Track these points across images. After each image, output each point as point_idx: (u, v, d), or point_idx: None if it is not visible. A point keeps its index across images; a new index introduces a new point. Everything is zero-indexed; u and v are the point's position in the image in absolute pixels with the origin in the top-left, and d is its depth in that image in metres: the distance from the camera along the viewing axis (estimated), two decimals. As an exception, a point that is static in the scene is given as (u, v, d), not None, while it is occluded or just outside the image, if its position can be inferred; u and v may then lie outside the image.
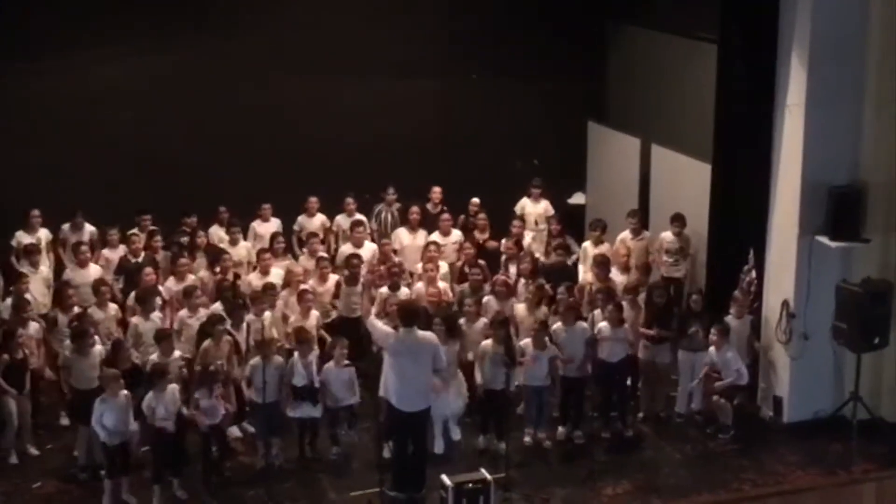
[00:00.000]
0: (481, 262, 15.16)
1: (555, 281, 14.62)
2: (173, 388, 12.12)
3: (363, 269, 14.93)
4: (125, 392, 11.96)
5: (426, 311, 13.63)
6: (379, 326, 12.20)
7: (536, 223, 16.97)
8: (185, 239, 15.61)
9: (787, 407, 13.84)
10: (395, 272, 14.60)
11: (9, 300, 13.81)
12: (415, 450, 12.15)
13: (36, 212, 15.72)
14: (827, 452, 13.18)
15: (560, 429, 13.46)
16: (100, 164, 16.73)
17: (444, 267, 15.13)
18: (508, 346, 12.84)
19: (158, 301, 14.08)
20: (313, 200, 16.68)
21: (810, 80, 13.02)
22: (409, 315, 12.04)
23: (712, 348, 13.41)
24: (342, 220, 16.60)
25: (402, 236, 16.23)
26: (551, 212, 17.13)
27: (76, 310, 13.79)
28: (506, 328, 13.12)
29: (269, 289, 14.11)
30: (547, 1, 18.13)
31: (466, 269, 14.98)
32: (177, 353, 12.86)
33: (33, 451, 13.18)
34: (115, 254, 15.44)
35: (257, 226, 16.34)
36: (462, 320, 13.61)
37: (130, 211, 16.00)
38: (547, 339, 13.18)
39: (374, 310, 13.41)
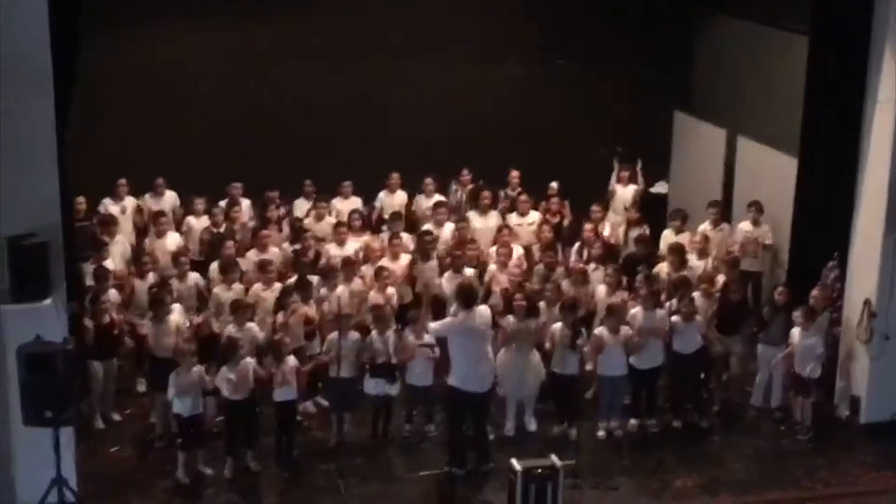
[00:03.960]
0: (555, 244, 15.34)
1: (635, 271, 14.69)
2: (247, 361, 12.26)
3: (440, 248, 15.13)
4: (198, 366, 12.16)
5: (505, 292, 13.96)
6: (436, 325, 12.40)
7: (626, 208, 16.90)
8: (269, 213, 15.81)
9: (864, 407, 13.65)
10: (457, 255, 14.61)
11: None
12: (476, 428, 12.34)
13: (122, 181, 16.05)
14: (903, 455, 13.02)
15: (632, 420, 13.42)
16: (185, 134, 16.89)
17: (518, 250, 15.13)
18: (577, 330, 12.86)
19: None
20: (395, 176, 16.73)
21: (903, 75, 12.82)
22: (466, 296, 12.24)
23: (797, 329, 13.26)
24: (421, 201, 16.68)
25: (473, 220, 16.20)
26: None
27: (151, 277, 14.04)
28: (575, 312, 13.13)
29: (346, 264, 14.22)
30: (637, -12, 18.04)
31: (539, 253, 15.09)
32: (250, 325, 12.98)
33: (116, 416, 13.48)
34: (199, 223, 15.71)
35: (337, 203, 16.41)
36: (542, 304, 13.60)
37: (215, 181, 16.19)
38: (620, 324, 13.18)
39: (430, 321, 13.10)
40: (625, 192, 17.17)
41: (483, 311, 12.35)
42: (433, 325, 12.47)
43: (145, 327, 13.19)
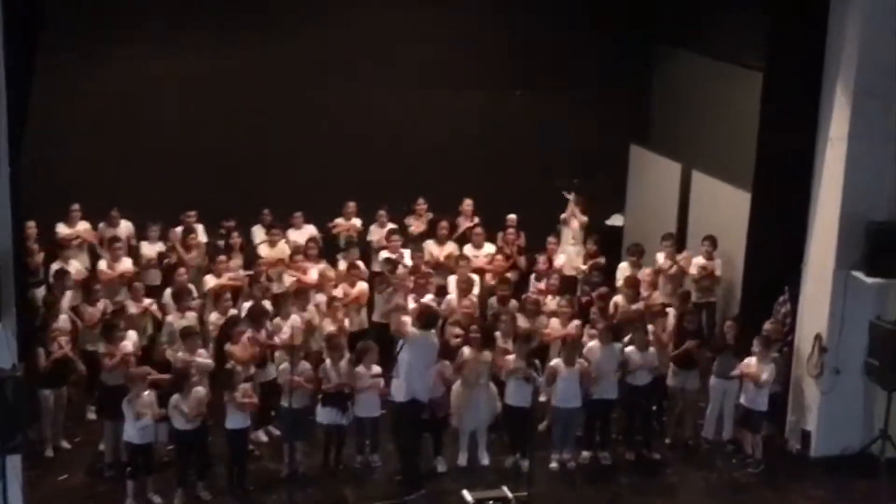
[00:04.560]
0: (508, 275, 15.40)
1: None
2: (199, 390, 12.18)
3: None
4: (149, 392, 12.05)
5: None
6: (409, 328, 12.59)
7: (574, 239, 16.93)
8: (221, 242, 15.74)
9: (814, 441, 13.74)
10: (420, 283, 14.71)
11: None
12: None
13: (76, 206, 15.88)
14: (853, 489, 13.05)
15: (585, 452, 13.42)
16: (144, 160, 16.84)
17: (475, 280, 15.14)
18: (530, 362, 12.85)
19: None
20: (351, 205, 16.75)
21: (854, 113, 12.95)
22: (426, 319, 12.62)
23: (753, 359, 13.27)
24: (375, 230, 16.64)
25: (431, 249, 16.24)
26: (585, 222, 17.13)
27: (101, 303, 13.93)
28: (529, 344, 13.19)
29: (300, 293, 14.18)
30: (595, 21, 18.10)
31: (493, 283, 15.17)
32: (202, 352, 12.93)
33: (65, 444, 13.33)
34: (152, 249, 15.60)
35: (290, 233, 16.36)
36: (497, 334, 13.64)
37: (172, 208, 16.11)
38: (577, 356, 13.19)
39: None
40: (574, 222, 17.19)
41: (434, 334, 12.74)
42: (407, 319, 12.68)
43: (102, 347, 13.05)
